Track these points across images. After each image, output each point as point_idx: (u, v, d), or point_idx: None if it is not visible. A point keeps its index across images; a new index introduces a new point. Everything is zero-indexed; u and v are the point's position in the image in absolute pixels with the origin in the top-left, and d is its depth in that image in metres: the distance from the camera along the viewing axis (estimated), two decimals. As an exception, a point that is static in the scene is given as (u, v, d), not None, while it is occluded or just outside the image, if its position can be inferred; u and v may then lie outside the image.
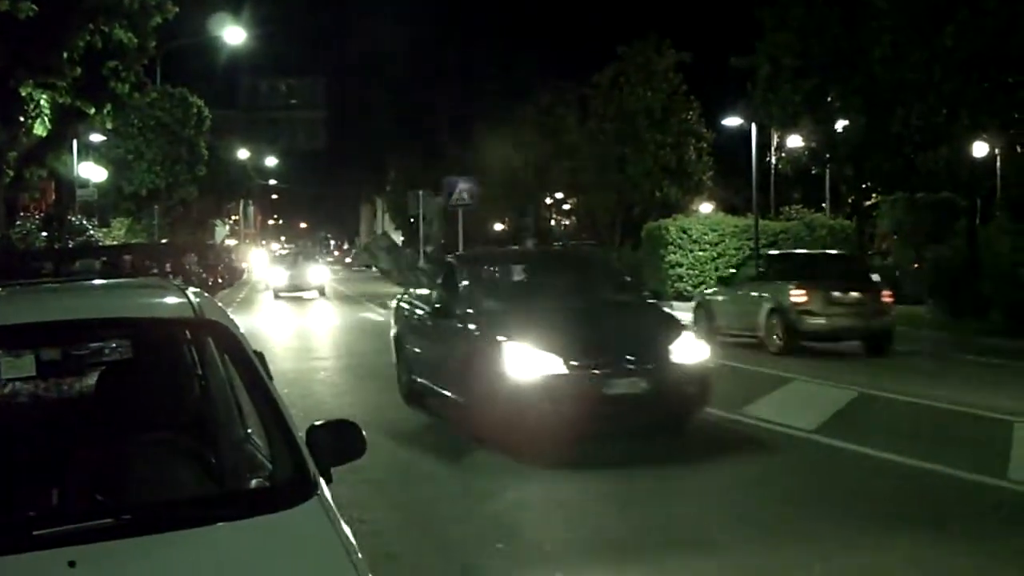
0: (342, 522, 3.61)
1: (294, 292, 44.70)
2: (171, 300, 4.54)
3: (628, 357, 10.89)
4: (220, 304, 4.81)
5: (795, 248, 31.15)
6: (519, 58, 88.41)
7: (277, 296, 44.09)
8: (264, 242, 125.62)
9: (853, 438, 11.38)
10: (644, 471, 10.06)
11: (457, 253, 21.92)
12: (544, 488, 9.64)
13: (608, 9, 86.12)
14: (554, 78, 58.84)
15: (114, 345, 5.46)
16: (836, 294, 19.94)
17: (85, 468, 4.10)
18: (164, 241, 42.71)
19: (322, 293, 45.45)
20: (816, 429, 12.05)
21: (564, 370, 10.48)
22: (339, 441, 4.08)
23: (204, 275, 36.95)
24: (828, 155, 31.30)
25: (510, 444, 10.47)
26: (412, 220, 49.43)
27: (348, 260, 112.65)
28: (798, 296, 19.85)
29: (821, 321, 19.78)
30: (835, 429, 12.00)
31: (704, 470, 10.33)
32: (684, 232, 36.83)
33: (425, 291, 14.58)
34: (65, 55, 21.92)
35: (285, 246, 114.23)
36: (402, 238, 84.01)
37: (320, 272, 48.15)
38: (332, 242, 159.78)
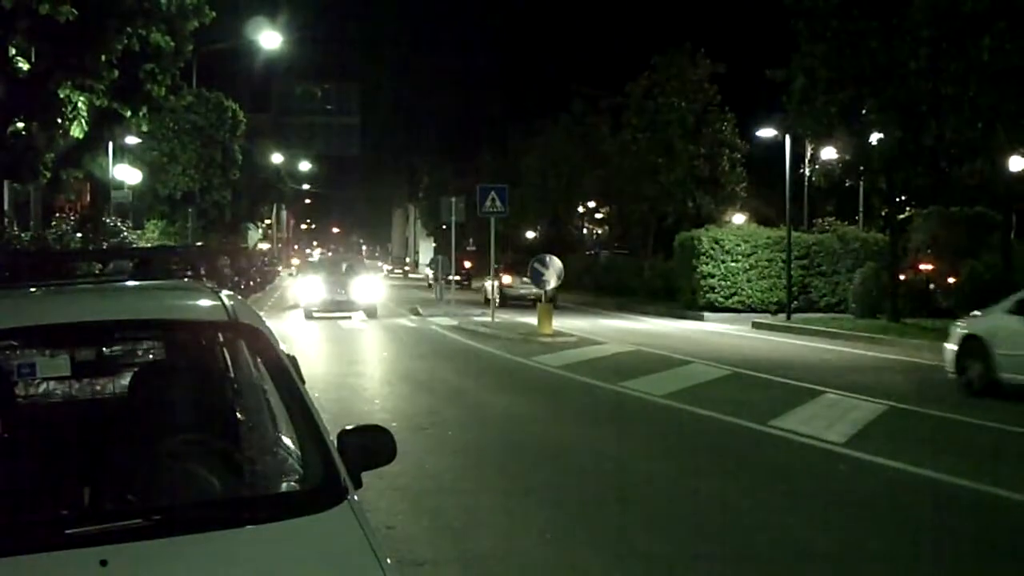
0: (372, 527, 3.61)
1: (333, 312, 34.34)
2: (205, 303, 4.56)
3: None
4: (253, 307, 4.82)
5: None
6: (552, 66, 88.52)
7: (310, 316, 34.26)
8: (296, 247, 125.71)
9: None
10: None
11: None
12: (561, 494, 9.62)
13: (641, 19, 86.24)
14: (587, 87, 58.88)
15: (147, 346, 5.48)
16: None
17: (117, 468, 4.12)
18: (199, 244, 42.86)
19: (372, 315, 34.77)
20: None
21: None
22: (369, 446, 4.12)
23: (236, 279, 37.08)
24: (862, 167, 31.13)
25: None
26: (444, 227, 49.07)
27: None
28: None
29: None
30: None
31: None
32: (717, 243, 36.80)
33: None
34: (103, 57, 22.06)
35: (323, 251, 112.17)
36: (434, 244, 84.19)
37: (371, 286, 36.73)
38: (364, 247, 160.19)
